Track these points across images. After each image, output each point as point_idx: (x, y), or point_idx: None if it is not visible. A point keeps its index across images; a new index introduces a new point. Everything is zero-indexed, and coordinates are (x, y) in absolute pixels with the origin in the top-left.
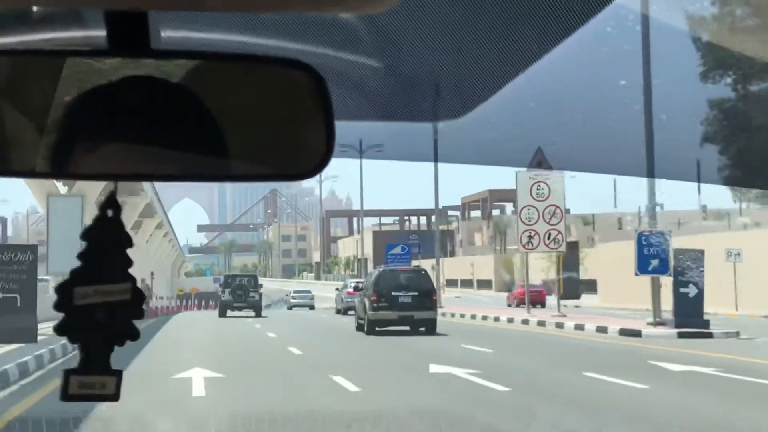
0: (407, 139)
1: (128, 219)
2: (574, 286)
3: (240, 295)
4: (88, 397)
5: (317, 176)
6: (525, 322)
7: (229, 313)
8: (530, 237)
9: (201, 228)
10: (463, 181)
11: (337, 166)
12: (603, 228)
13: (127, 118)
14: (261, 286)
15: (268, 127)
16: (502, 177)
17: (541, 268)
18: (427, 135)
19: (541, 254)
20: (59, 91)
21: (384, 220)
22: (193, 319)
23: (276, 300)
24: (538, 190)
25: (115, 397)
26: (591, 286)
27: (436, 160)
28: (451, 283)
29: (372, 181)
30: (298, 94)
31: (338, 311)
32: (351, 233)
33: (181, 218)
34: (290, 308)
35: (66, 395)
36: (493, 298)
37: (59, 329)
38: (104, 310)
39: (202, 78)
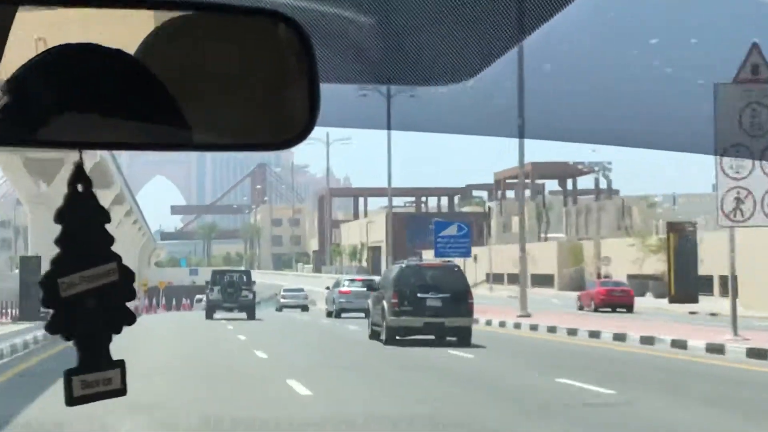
0: (410, 107)
1: None
2: (688, 285)
3: (231, 294)
4: (95, 396)
5: (323, 143)
6: (648, 340)
7: (218, 314)
8: (738, 200)
9: (175, 209)
10: (488, 155)
11: (336, 137)
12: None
13: (88, 81)
14: (254, 283)
15: (245, 89)
16: (533, 151)
17: (630, 259)
18: (432, 101)
19: (632, 240)
20: (9, 48)
21: (395, 201)
22: (156, 325)
23: (267, 298)
24: (753, 116)
25: (122, 391)
26: (706, 285)
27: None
28: (496, 278)
29: (376, 156)
30: (279, 50)
31: (329, 313)
32: (356, 216)
33: (151, 199)
34: (279, 309)
35: (71, 399)
36: (559, 297)
37: (50, 327)
38: (94, 297)
39: (169, 33)
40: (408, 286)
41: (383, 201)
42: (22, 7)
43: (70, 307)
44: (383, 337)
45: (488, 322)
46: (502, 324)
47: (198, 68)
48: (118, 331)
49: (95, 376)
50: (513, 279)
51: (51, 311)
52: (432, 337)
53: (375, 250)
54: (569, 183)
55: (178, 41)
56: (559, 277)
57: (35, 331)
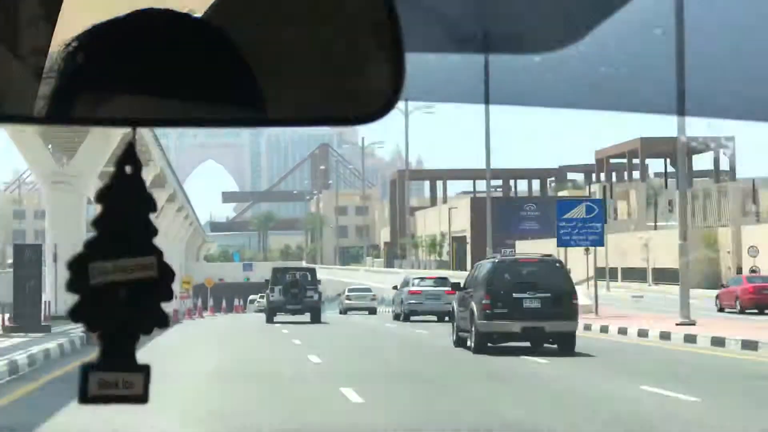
0: (502, 78)
1: None
2: None
3: (294, 294)
4: (112, 399)
5: (400, 115)
6: None
7: (279, 317)
8: None
9: (227, 197)
10: (583, 134)
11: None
12: None
13: (146, 54)
14: (320, 282)
15: (322, 59)
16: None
17: None
18: (523, 71)
19: None
20: (61, 26)
21: (477, 186)
22: (191, 338)
23: (331, 298)
24: None
25: (143, 398)
26: None
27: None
28: (603, 274)
29: (452, 135)
30: (362, 17)
31: (396, 316)
32: (434, 203)
33: (201, 187)
34: (344, 312)
35: (85, 397)
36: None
37: (73, 314)
38: (126, 290)
39: (237, 2)
40: (502, 285)
41: (463, 186)
42: None
43: (99, 296)
44: (471, 343)
45: (642, 333)
46: (665, 336)
47: (273, 36)
48: (149, 332)
49: (115, 376)
50: (629, 274)
51: (77, 297)
52: (527, 344)
53: (459, 242)
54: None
55: (250, 8)
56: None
57: (31, 347)
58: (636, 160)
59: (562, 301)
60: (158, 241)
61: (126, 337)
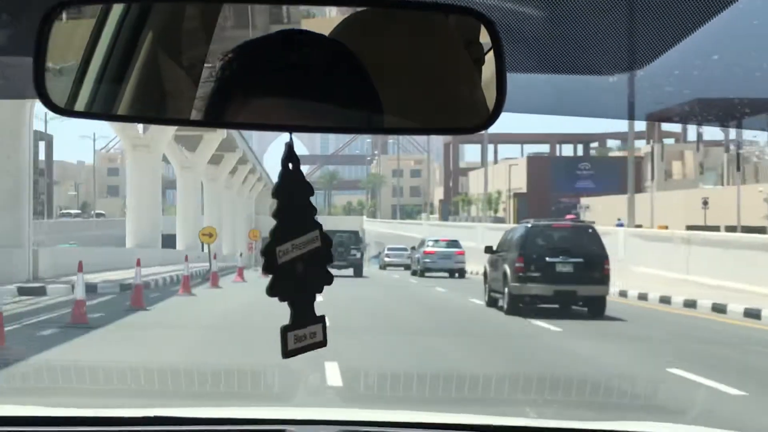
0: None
1: (205, 155)
2: None
3: (341, 252)
4: (304, 349)
5: None
6: None
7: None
8: None
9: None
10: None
11: None
12: None
13: (287, 69)
14: (362, 242)
15: (435, 78)
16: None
17: None
18: (595, 88)
19: None
20: (215, 40)
21: (524, 150)
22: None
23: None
24: None
25: (324, 342)
26: None
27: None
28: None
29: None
30: (470, 43)
31: (413, 272)
32: (483, 164)
33: (277, 156)
34: (383, 268)
35: (287, 352)
36: None
37: (271, 291)
38: (302, 262)
39: (370, 25)
40: (535, 249)
41: (510, 150)
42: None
43: (285, 272)
44: (504, 304)
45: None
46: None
47: (395, 58)
48: (320, 291)
49: (304, 330)
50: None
51: (271, 276)
52: (556, 306)
53: (518, 198)
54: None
55: (377, 33)
56: None
57: None
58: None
59: (594, 266)
60: (230, 196)
61: (306, 298)
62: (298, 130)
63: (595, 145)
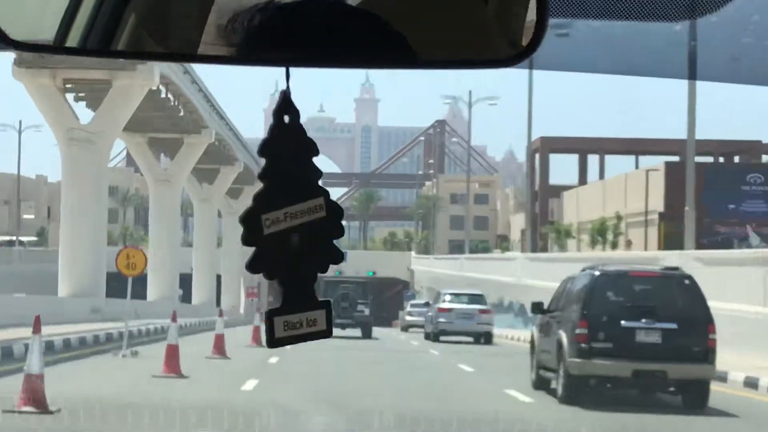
0: (629, 47)
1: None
2: None
3: (345, 308)
4: (298, 338)
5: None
6: None
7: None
8: None
9: (326, 179)
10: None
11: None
12: None
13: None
14: (371, 297)
15: (465, 5)
16: None
17: None
18: (656, 41)
19: None
20: None
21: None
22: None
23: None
24: None
25: (327, 332)
26: None
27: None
28: None
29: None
30: None
31: (426, 336)
32: (582, 181)
33: None
34: (405, 329)
35: (273, 340)
36: None
37: (251, 265)
38: (299, 235)
39: None
40: (605, 309)
41: (619, 163)
42: None
43: (274, 245)
44: (560, 388)
45: None
46: None
47: None
48: (324, 270)
49: (299, 316)
50: None
51: (253, 249)
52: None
53: (665, 223)
54: None
55: None
56: None
57: None
58: None
59: (692, 334)
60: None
61: (304, 279)
62: (297, 64)
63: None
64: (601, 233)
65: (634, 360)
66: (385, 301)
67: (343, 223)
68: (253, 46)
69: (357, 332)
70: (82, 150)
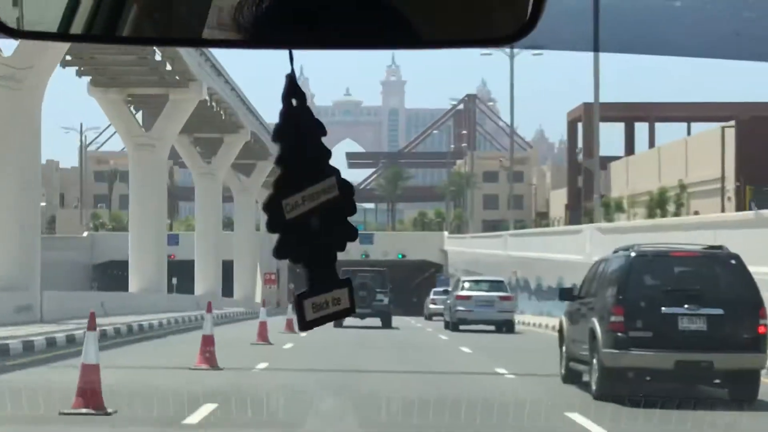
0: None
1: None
2: None
3: (363, 297)
4: (326, 318)
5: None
6: None
7: (348, 321)
8: None
9: (352, 159)
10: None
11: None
12: None
13: None
14: (390, 286)
15: None
16: None
17: None
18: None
19: None
20: None
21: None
22: None
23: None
24: None
25: (351, 310)
26: None
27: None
28: None
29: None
30: None
31: (446, 324)
32: (629, 151)
33: (338, 166)
34: (429, 318)
35: (304, 323)
36: None
37: (278, 252)
38: (317, 217)
39: None
40: (643, 293)
41: (670, 130)
42: None
43: (296, 230)
44: (593, 382)
45: None
46: None
47: None
48: (342, 248)
49: (324, 297)
50: None
51: (278, 236)
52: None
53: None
54: None
55: None
56: None
57: None
58: None
59: (741, 320)
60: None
61: (326, 259)
62: (299, 46)
63: None
64: (661, 205)
65: (676, 350)
66: (415, 286)
67: (370, 205)
68: (256, 29)
69: (377, 321)
70: (146, 152)
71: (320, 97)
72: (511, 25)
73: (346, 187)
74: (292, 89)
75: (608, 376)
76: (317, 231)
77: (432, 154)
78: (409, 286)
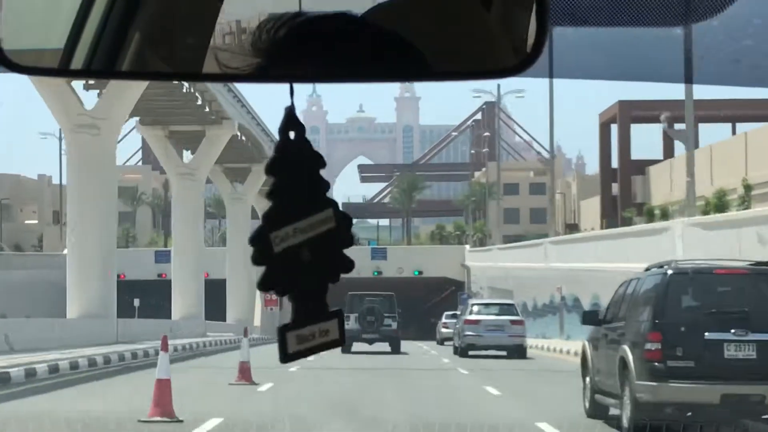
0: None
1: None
2: None
3: (371, 322)
4: (311, 351)
5: None
6: None
7: (356, 346)
8: None
9: (365, 172)
10: None
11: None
12: None
13: (302, 17)
14: (398, 311)
15: (462, 12)
16: None
17: None
18: (659, 45)
19: None
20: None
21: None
22: None
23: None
24: None
25: (339, 341)
26: None
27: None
28: None
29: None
30: None
31: (455, 350)
32: (668, 153)
33: (351, 181)
34: (441, 343)
35: (286, 355)
36: None
37: (262, 284)
38: (309, 249)
39: None
40: (684, 317)
41: (709, 133)
42: None
43: (284, 262)
44: (625, 419)
45: None
46: None
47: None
48: (335, 281)
49: (311, 329)
50: None
51: (264, 268)
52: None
53: None
54: None
55: None
56: None
57: None
58: None
59: None
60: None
61: (315, 291)
62: (301, 80)
63: None
64: (720, 210)
65: (722, 381)
66: (432, 306)
67: (384, 222)
68: (257, 63)
69: (385, 347)
70: (186, 181)
71: (333, 114)
72: (513, 57)
73: (343, 218)
74: (290, 122)
75: (643, 412)
76: (308, 263)
77: (450, 165)
78: (426, 306)
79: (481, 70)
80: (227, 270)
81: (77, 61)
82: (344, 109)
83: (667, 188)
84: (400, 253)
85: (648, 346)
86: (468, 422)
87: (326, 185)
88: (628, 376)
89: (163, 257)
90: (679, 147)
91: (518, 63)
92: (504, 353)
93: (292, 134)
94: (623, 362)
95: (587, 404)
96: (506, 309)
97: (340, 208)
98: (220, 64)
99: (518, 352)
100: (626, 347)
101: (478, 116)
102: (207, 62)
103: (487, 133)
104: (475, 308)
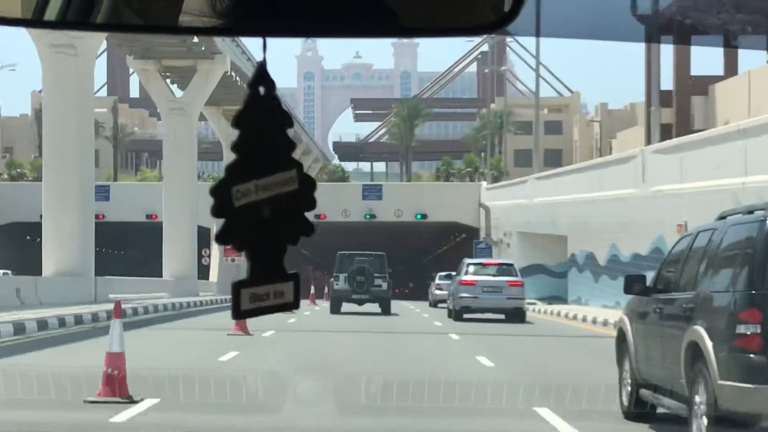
0: None
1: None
2: None
3: (361, 282)
4: (264, 310)
5: None
6: None
7: (346, 306)
8: None
9: (358, 109)
10: None
11: None
12: None
13: None
14: (389, 271)
15: None
16: None
17: None
18: None
19: None
20: None
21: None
22: None
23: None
24: None
25: (294, 304)
26: None
27: None
28: None
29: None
30: None
31: (449, 313)
32: (729, 71)
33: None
34: (434, 305)
35: (239, 312)
36: None
37: (220, 237)
38: (270, 207)
39: None
40: None
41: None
42: None
43: (244, 217)
44: (696, 430)
45: None
46: None
47: None
48: (295, 243)
49: (266, 288)
50: None
51: (223, 221)
52: None
53: None
54: None
55: None
56: None
57: None
58: None
59: None
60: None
61: (274, 251)
62: (275, 34)
63: None
64: None
65: None
66: (439, 257)
67: (380, 166)
68: (231, 16)
69: (375, 307)
70: (178, 115)
71: (329, 60)
72: (491, 15)
73: (306, 182)
74: (261, 77)
75: (727, 424)
76: (268, 221)
77: (454, 101)
78: (428, 258)
79: (458, 27)
80: (163, 210)
81: (51, 12)
82: (340, 55)
83: (739, 111)
84: (398, 192)
85: (740, 329)
86: (442, 379)
87: (293, 145)
88: (702, 371)
89: (99, 192)
90: (745, 61)
91: (496, 20)
92: (502, 316)
93: (261, 90)
94: (694, 351)
95: (625, 401)
96: (505, 269)
97: (304, 171)
98: (193, 16)
99: (517, 315)
100: (700, 329)
101: (485, 47)
102: (182, 15)
103: (504, 67)
104: (471, 268)
